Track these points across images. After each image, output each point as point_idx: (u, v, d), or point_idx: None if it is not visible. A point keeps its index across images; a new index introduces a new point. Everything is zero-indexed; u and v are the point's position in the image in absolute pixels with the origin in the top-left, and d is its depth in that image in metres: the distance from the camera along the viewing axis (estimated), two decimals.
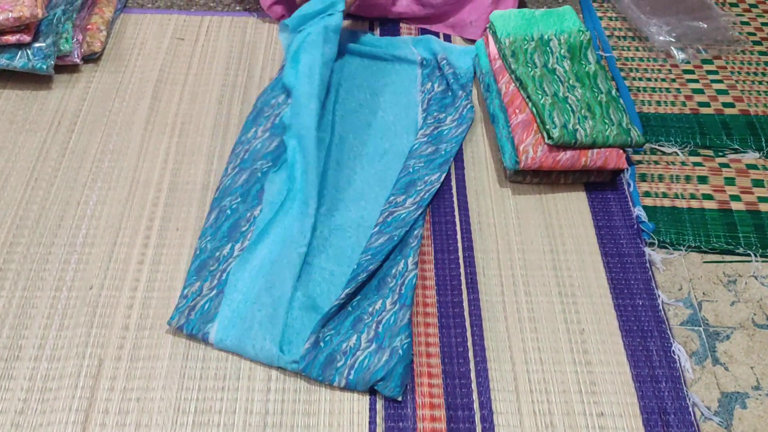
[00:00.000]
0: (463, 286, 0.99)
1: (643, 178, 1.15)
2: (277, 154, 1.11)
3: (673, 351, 0.94)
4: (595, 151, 1.07)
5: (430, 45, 1.33)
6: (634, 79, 1.31)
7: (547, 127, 1.06)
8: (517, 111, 1.11)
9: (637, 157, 1.18)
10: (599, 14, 1.44)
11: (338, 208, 1.07)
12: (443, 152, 1.14)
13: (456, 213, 1.08)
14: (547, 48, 1.19)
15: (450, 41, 1.37)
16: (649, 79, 1.32)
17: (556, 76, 1.15)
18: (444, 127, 1.18)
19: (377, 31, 1.38)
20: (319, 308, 0.95)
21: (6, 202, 1.04)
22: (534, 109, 1.09)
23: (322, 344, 0.90)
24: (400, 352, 0.89)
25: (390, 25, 1.39)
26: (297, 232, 1.01)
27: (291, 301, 0.95)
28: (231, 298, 0.95)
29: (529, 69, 1.15)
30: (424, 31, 1.38)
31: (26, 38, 1.15)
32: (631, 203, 1.11)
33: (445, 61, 1.27)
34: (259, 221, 1.03)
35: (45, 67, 1.17)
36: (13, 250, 0.99)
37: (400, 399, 0.87)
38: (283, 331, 0.92)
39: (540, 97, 1.10)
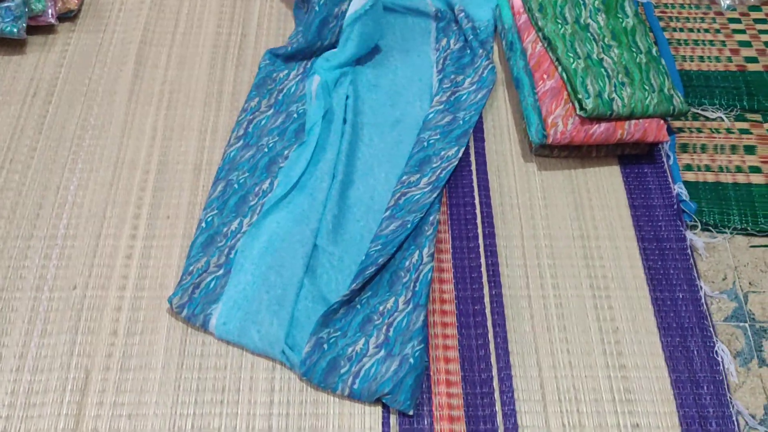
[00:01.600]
0: (484, 279, 0.90)
1: (683, 148, 1.03)
2: (282, 129, 1.01)
3: (716, 351, 0.85)
4: (633, 122, 0.95)
5: None
6: (674, 30, 1.17)
7: (580, 96, 0.94)
8: (545, 76, 0.99)
9: (677, 124, 1.06)
10: None
11: (347, 185, 0.96)
12: (461, 122, 1.02)
13: (476, 194, 0.98)
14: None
15: None
16: (691, 30, 1.17)
17: (589, 34, 1.02)
18: (462, 92, 1.06)
19: None
20: (326, 300, 0.86)
21: None
22: (564, 75, 0.97)
23: (326, 347, 0.82)
24: (411, 360, 0.81)
25: None
26: (308, 207, 0.92)
27: (299, 288, 0.86)
28: (238, 278, 0.87)
29: (559, 26, 1.02)
30: None
31: None
32: (670, 179, 0.99)
33: (462, 14, 1.13)
34: (270, 196, 0.94)
35: (16, 30, 1.04)
36: None
37: (411, 413, 0.79)
38: (290, 321, 0.84)
39: (571, 60, 0.97)
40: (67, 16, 1.13)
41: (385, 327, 0.84)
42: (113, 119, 1.02)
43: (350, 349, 0.83)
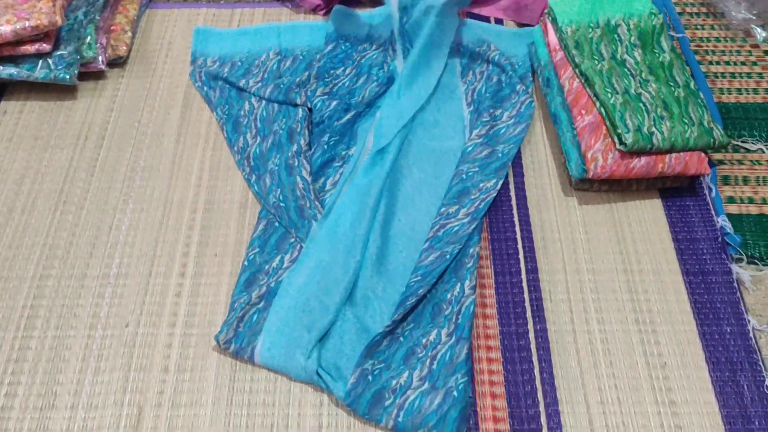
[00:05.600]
0: (528, 314, 0.90)
1: (725, 180, 1.03)
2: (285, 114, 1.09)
3: (766, 386, 0.84)
4: (674, 156, 0.95)
5: (474, 32, 1.20)
6: (710, 63, 1.18)
7: (619, 131, 0.94)
8: (583, 112, 1.00)
9: (717, 157, 1.06)
10: None
11: (389, 217, 0.98)
12: (500, 155, 1.03)
13: (517, 228, 0.98)
14: (615, 36, 1.07)
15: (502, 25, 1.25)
16: (727, 63, 1.18)
17: (626, 69, 1.03)
18: (500, 126, 1.07)
19: None
20: (370, 331, 0.87)
21: (34, 229, 0.98)
22: (603, 110, 0.98)
23: (370, 378, 0.83)
24: (455, 393, 0.81)
25: None
26: (352, 239, 0.94)
27: (343, 322, 0.88)
28: (279, 305, 0.89)
29: (596, 62, 1.03)
30: (471, 15, 1.26)
31: (46, 47, 1.07)
32: (713, 211, 0.99)
33: (498, 51, 1.15)
34: (312, 233, 0.95)
35: (68, 76, 1.09)
36: (43, 283, 0.93)
37: None
38: (336, 357, 0.85)
39: (609, 95, 0.98)
40: (117, 63, 1.18)
41: (428, 360, 0.85)
42: (162, 161, 1.06)
43: (394, 382, 0.83)
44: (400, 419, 0.80)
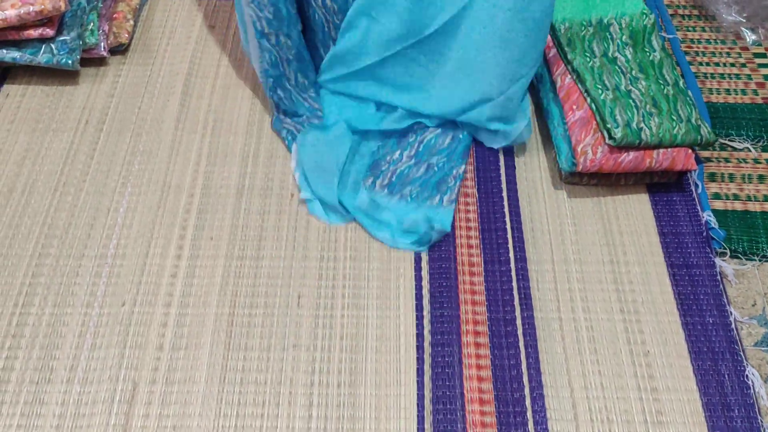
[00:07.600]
0: (516, 302, 0.92)
1: (712, 177, 1.05)
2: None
3: (747, 375, 0.86)
4: (661, 151, 0.98)
5: None
6: (700, 64, 1.20)
7: (608, 125, 0.97)
8: (575, 107, 1.02)
9: (705, 154, 1.08)
10: None
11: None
12: (461, 137, 1.08)
13: (507, 219, 1.01)
14: (607, 34, 1.09)
15: None
16: (717, 64, 1.20)
17: (617, 67, 1.05)
18: None
19: None
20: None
21: (34, 210, 1.00)
22: (593, 106, 1.00)
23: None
24: (436, 168, 1.03)
25: None
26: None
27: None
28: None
29: (588, 59, 1.05)
30: None
31: (49, 32, 1.09)
32: (699, 207, 1.01)
33: None
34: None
35: (70, 62, 1.11)
36: (42, 262, 0.95)
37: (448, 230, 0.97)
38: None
39: (600, 92, 1.00)
40: (118, 50, 1.20)
41: (417, 144, 1.06)
42: (161, 146, 1.08)
43: (388, 157, 1.04)
44: (393, 179, 1.01)
